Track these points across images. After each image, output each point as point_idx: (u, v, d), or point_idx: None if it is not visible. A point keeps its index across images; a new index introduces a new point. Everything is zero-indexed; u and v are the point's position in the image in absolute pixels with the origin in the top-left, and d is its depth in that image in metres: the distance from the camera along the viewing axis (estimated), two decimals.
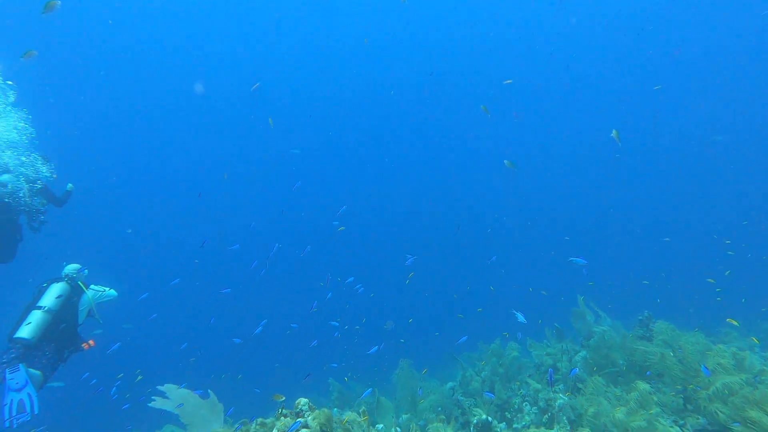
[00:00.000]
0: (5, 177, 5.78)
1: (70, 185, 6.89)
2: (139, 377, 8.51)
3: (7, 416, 4.23)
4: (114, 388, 8.25)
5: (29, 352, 4.87)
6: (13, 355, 4.73)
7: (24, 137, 6.62)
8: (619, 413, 4.87)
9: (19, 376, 4.41)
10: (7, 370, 4.48)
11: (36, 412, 4.34)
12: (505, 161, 6.87)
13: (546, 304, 11.16)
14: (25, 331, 4.73)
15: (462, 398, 7.06)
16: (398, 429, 6.51)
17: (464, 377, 7.32)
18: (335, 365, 7.16)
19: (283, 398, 4.61)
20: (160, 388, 3.87)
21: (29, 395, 4.35)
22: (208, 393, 4.04)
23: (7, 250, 5.74)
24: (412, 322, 16.14)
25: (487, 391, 6.77)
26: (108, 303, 5.92)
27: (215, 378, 4.10)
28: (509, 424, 6.46)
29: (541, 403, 6.31)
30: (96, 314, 5.59)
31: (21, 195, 5.82)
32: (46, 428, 6.57)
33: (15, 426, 4.22)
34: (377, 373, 9.62)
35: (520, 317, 4.93)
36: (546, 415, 6.09)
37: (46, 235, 6.36)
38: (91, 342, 5.39)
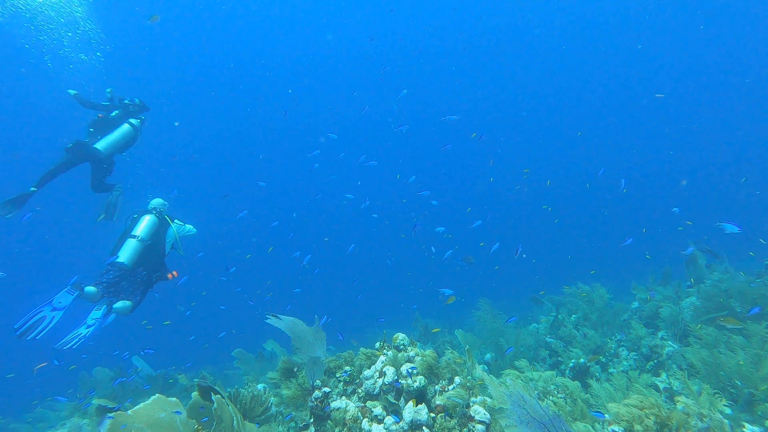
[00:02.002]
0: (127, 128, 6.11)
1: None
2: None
3: (65, 339, 4.62)
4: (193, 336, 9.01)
5: (124, 276, 5.32)
6: (109, 277, 5.22)
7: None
8: (745, 364, 4.35)
9: (96, 314, 4.83)
10: (95, 305, 4.92)
11: (75, 348, 4.60)
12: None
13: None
14: (123, 257, 5.14)
15: (552, 340, 6.82)
16: (485, 367, 6.49)
17: (556, 320, 7.00)
18: (415, 306, 7.16)
19: (357, 343, 4.65)
20: (269, 315, 3.99)
21: (87, 334, 4.68)
22: (314, 320, 4.10)
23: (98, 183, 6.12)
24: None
25: (580, 335, 6.46)
26: (189, 238, 6.25)
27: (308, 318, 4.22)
28: (604, 368, 6.16)
29: (644, 350, 5.89)
30: (179, 247, 5.94)
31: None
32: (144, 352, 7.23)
33: (57, 347, 4.50)
34: (455, 312, 9.66)
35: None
36: (651, 362, 5.68)
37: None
38: (174, 272, 5.77)
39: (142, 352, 7.86)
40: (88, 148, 5.75)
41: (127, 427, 2.45)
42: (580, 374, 5.51)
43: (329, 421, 3.55)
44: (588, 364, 5.55)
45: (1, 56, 20.85)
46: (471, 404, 3.58)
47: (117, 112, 6.23)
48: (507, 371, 4.96)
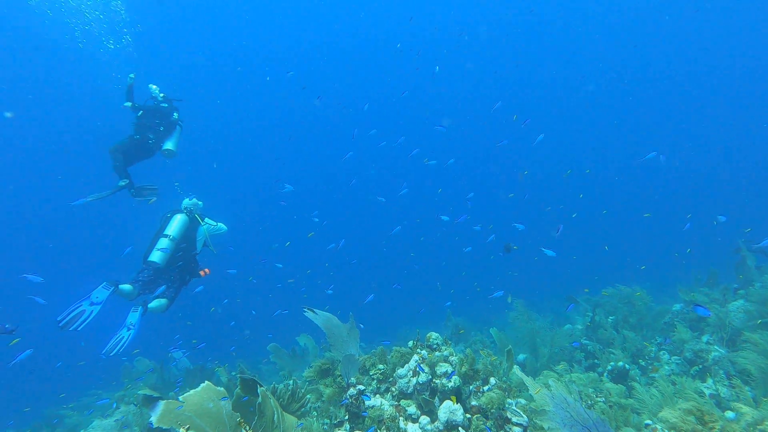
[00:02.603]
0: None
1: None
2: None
3: (110, 344, 4.86)
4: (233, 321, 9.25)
5: (158, 274, 5.51)
6: (145, 276, 5.44)
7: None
8: None
9: (134, 316, 5.05)
10: (132, 308, 5.15)
11: (121, 351, 4.89)
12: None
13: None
14: (156, 256, 5.34)
15: (587, 342, 6.63)
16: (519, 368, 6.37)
17: (592, 321, 6.79)
18: (449, 303, 7.12)
19: (388, 346, 4.65)
20: (306, 308, 4.05)
21: (129, 336, 4.95)
22: (348, 317, 4.14)
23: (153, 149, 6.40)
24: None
25: (618, 337, 6.24)
26: (220, 236, 6.40)
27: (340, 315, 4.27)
28: (644, 371, 5.93)
29: (687, 354, 5.64)
30: (210, 245, 6.09)
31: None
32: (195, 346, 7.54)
33: (104, 355, 4.81)
34: (488, 312, 9.54)
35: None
36: (695, 367, 5.43)
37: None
38: (206, 270, 5.93)
39: (176, 348, 8.18)
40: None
41: (177, 414, 2.55)
42: (619, 378, 5.33)
43: (366, 419, 3.57)
44: (627, 367, 5.36)
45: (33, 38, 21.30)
46: (508, 406, 3.52)
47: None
48: (545, 373, 4.86)
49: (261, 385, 2.95)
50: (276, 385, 3.77)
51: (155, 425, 2.40)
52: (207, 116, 29.96)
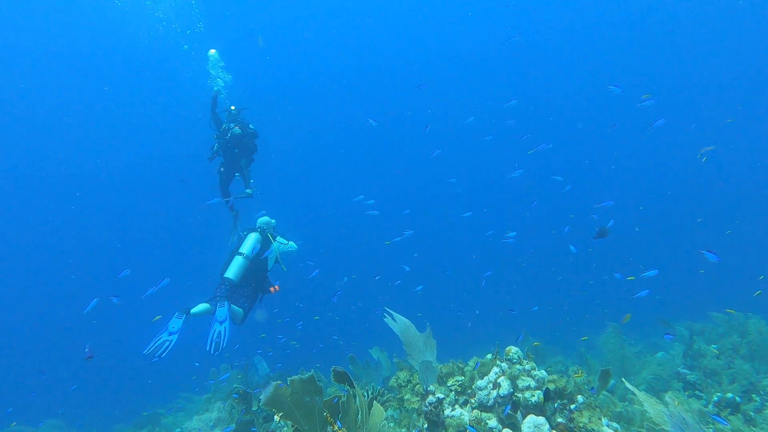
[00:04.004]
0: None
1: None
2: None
3: (209, 342, 5.21)
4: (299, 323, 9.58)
5: (234, 290, 5.88)
6: (222, 291, 5.80)
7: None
8: None
9: (222, 311, 5.41)
10: (217, 304, 5.54)
11: (224, 345, 5.22)
12: None
13: None
14: (231, 273, 5.74)
15: (686, 371, 5.98)
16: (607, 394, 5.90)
17: (690, 349, 6.15)
18: (523, 329, 6.86)
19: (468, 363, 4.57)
20: (387, 309, 4.16)
21: (225, 329, 5.29)
22: (425, 326, 4.18)
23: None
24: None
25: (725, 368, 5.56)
26: (290, 254, 6.72)
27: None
28: (758, 410, 5.20)
29: None
30: (281, 262, 6.38)
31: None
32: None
33: (213, 352, 5.15)
34: (566, 335, 8.99)
35: None
36: None
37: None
38: (276, 287, 6.23)
39: (258, 354, 8.70)
40: None
41: (281, 400, 2.77)
42: (732, 410, 4.74)
43: (448, 429, 3.56)
44: (738, 399, 4.76)
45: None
46: (599, 428, 3.31)
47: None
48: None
49: (351, 381, 3.10)
50: (357, 390, 3.92)
51: (262, 405, 2.63)
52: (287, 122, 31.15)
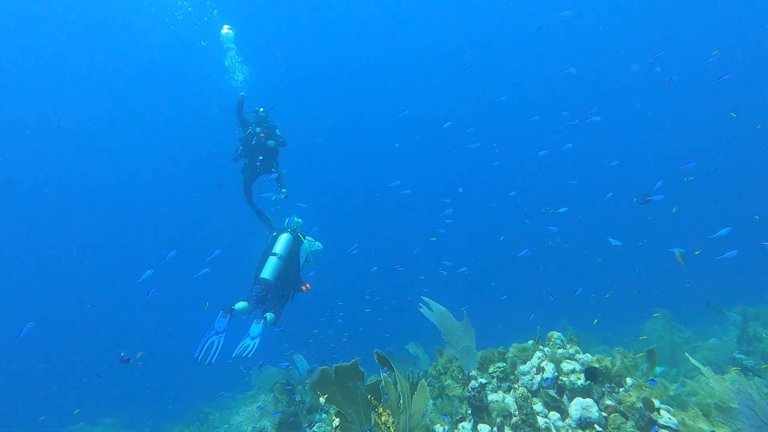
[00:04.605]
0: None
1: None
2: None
3: (238, 350, 5.31)
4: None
5: (268, 291, 5.95)
6: (257, 291, 5.88)
7: None
8: None
9: (257, 328, 5.48)
10: (255, 320, 5.64)
11: (250, 355, 5.28)
12: None
13: None
14: (267, 273, 5.82)
15: (742, 357, 5.67)
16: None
17: (745, 333, 5.83)
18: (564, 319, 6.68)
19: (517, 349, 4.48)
20: (424, 298, 4.16)
21: (255, 344, 5.35)
22: (463, 315, 4.15)
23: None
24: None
25: None
26: (317, 253, 6.79)
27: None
28: None
29: None
30: (312, 261, 6.45)
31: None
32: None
33: (241, 356, 5.21)
34: (605, 326, 8.67)
35: None
36: None
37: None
38: (308, 285, 6.29)
39: (296, 352, 8.90)
40: None
41: (326, 384, 2.84)
42: None
43: (492, 413, 3.52)
44: None
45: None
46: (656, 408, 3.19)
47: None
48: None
49: (390, 364, 3.13)
50: (399, 374, 3.95)
51: (308, 389, 2.71)
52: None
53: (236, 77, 7.93)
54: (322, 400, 2.85)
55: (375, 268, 12.66)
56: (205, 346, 5.26)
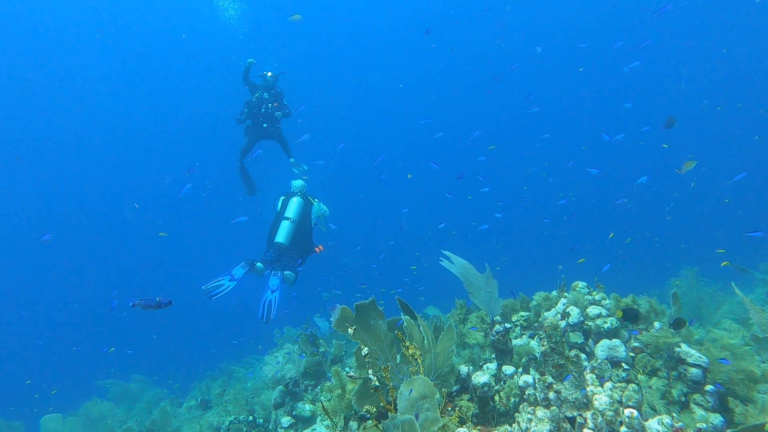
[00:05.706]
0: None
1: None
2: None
3: (261, 309, 5.42)
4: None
5: (283, 254, 6.01)
6: (271, 255, 5.95)
7: None
8: None
9: (275, 281, 5.59)
10: (272, 273, 5.70)
11: (274, 315, 5.44)
12: None
13: None
14: (281, 237, 5.85)
15: None
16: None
17: None
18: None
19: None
20: (445, 252, 4.14)
21: (276, 298, 5.48)
22: (485, 267, 4.11)
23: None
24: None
25: None
26: (326, 216, 6.76)
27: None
28: None
29: None
30: (322, 224, 6.46)
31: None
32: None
33: (265, 320, 5.39)
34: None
35: None
36: None
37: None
38: (320, 247, 6.31)
39: (318, 314, 9.11)
40: None
41: (347, 322, 2.88)
42: None
43: (515, 357, 3.54)
44: None
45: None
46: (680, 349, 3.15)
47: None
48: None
49: (410, 309, 3.15)
50: (420, 319, 3.97)
51: (332, 327, 2.76)
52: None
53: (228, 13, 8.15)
54: (350, 330, 2.89)
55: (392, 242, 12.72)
56: (215, 284, 5.43)
